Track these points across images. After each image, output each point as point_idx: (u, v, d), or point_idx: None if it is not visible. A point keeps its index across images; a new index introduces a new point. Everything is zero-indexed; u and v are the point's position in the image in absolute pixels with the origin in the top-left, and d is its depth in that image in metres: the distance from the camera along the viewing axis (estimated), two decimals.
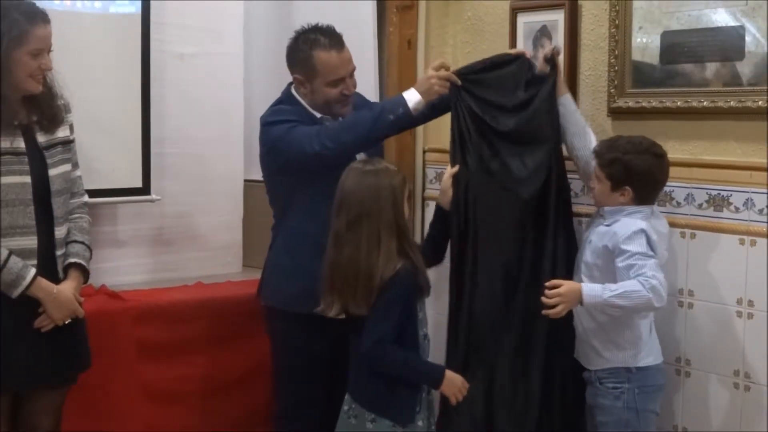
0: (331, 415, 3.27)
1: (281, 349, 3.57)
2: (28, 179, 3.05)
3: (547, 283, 3.08)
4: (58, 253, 3.15)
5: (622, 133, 3.55)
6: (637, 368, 3.18)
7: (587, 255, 3.24)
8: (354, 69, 3.49)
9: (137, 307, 3.65)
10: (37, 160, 3.10)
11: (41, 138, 3.13)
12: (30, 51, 3.01)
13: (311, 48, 3.42)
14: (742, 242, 3.25)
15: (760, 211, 3.22)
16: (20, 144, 3.05)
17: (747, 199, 3.24)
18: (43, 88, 3.10)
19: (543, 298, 3.05)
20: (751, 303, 3.23)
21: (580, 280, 3.22)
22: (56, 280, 3.13)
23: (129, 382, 3.57)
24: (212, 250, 4.32)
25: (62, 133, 3.19)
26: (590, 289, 3.05)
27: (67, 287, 3.14)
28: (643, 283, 2.97)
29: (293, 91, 3.53)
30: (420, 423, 3.07)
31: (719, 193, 3.30)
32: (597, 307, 3.12)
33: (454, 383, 3.10)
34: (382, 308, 3.01)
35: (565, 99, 3.44)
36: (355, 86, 3.52)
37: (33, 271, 3.04)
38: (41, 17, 3.06)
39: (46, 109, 3.14)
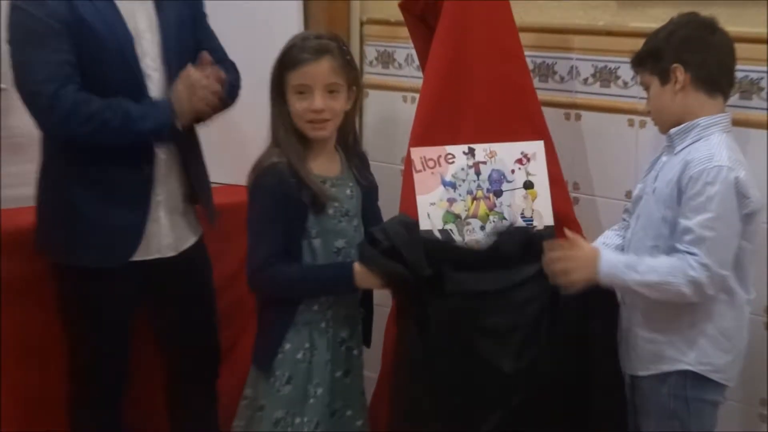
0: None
1: (73, 309, 2.77)
2: None
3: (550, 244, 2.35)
4: None
5: None
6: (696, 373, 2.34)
7: (652, 207, 2.36)
8: None
9: None
10: None
11: None
12: None
13: None
14: (567, 117, 2.91)
15: (585, 81, 2.84)
16: None
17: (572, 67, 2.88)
18: None
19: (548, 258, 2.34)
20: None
21: (636, 236, 2.42)
22: None
23: None
24: None
25: None
26: (610, 265, 2.28)
27: None
28: (685, 273, 2.21)
29: None
30: (316, 383, 2.48)
31: (544, 62, 2.93)
32: (615, 287, 2.37)
33: (367, 277, 2.42)
34: (254, 227, 2.47)
35: None
36: None
37: None
38: None
39: None
